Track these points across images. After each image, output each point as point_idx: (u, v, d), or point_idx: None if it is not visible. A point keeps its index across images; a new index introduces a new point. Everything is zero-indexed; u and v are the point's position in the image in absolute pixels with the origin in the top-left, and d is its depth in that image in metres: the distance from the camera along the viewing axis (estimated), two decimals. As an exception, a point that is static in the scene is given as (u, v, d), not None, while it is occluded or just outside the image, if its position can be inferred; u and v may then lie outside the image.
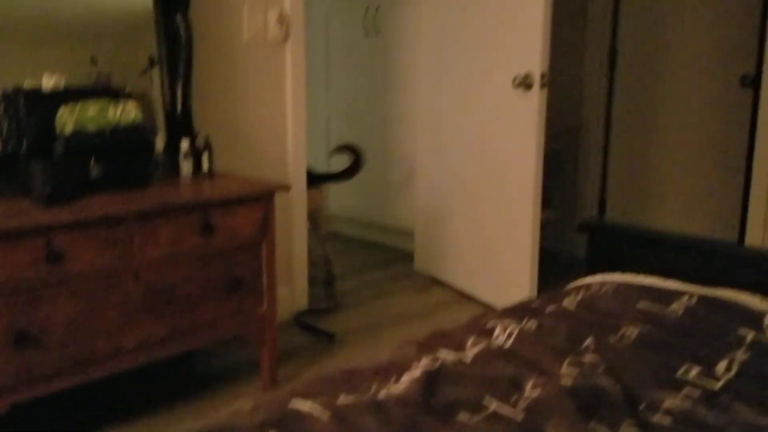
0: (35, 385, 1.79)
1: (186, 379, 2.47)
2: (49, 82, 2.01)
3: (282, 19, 2.77)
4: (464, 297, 3.37)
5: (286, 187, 2.23)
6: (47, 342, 1.78)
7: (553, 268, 3.71)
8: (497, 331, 1.22)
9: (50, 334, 1.79)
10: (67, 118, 1.95)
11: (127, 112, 2.03)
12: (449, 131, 3.40)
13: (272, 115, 2.86)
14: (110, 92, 2.12)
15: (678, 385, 1.03)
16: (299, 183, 2.99)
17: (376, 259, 4.05)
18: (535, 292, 2.96)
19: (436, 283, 3.60)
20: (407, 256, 3.95)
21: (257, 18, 2.72)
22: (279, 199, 2.91)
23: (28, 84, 2.03)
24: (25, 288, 1.72)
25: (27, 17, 2.15)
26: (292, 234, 3.03)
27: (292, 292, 3.07)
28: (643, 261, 1.60)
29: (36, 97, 1.98)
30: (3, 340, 1.70)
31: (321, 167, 4.58)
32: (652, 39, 3.93)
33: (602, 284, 1.48)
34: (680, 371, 1.08)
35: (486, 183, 3.15)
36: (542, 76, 2.76)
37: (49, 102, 1.98)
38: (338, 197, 4.52)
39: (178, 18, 2.33)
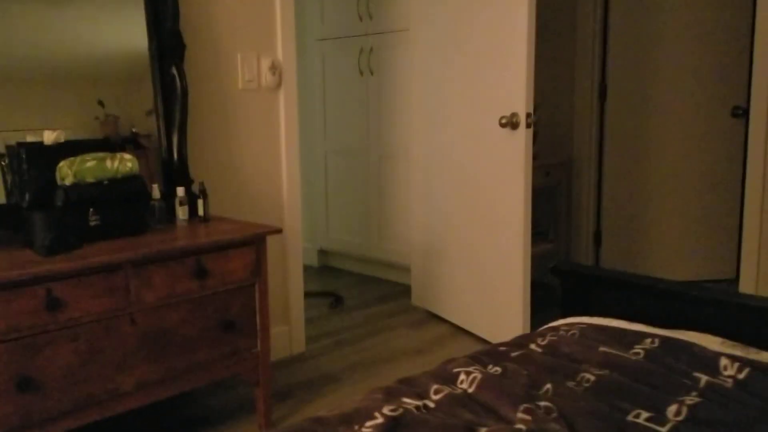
0: (37, 429, 1.85)
1: (184, 419, 2.53)
2: (50, 137, 2.10)
3: (275, 67, 2.88)
4: (460, 332, 3.42)
5: (277, 231, 2.31)
6: (48, 386, 1.85)
7: (550, 300, 3.76)
8: (461, 377, 1.28)
9: (51, 379, 1.86)
10: (66, 171, 2.04)
11: (124, 163, 2.13)
12: (442, 169, 3.48)
13: (267, 160, 2.95)
14: (109, 145, 2.22)
15: (625, 430, 1.09)
16: (295, 224, 3.07)
17: (374, 294, 4.11)
18: (528, 326, 3.01)
19: (433, 317, 3.65)
20: (406, 290, 4.02)
21: (251, 66, 2.83)
22: (275, 239, 3.00)
23: (30, 138, 2.14)
24: (26, 335, 1.80)
25: (38, 63, 2.27)
26: (288, 273, 3.10)
27: (289, 330, 3.14)
28: (613, 303, 1.66)
29: (37, 150, 2.08)
30: (5, 386, 1.77)
31: (320, 202, 4.68)
32: (641, 72, 4.03)
33: (570, 327, 1.54)
34: (630, 415, 1.14)
35: (478, 219, 3.23)
36: (527, 116, 2.85)
37: (49, 155, 2.07)
38: (336, 233, 4.61)
39: (173, 69, 2.44)
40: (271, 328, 3.02)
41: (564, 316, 1.70)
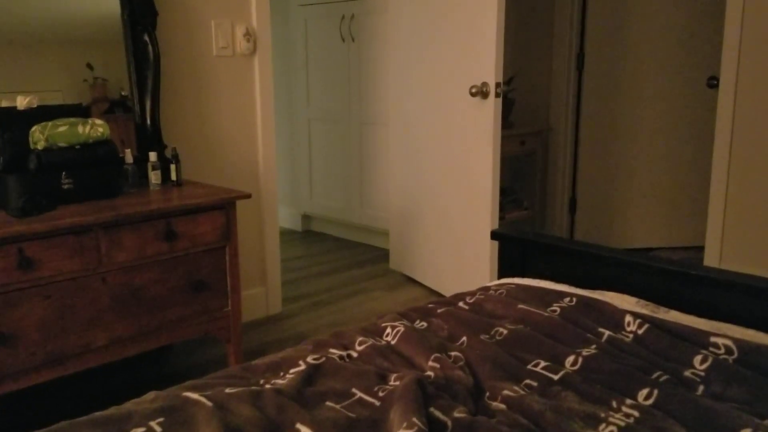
0: (10, 381, 1.95)
1: (161, 375, 2.64)
2: (22, 102, 2.17)
3: (249, 34, 2.93)
4: (434, 294, 3.52)
5: (246, 196, 2.39)
6: (21, 341, 1.95)
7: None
8: (387, 330, 1.38)
9: (24, 334, 1.95)
10: (39, 135, 2.11)
11: (95, 129, 2.19)
12: (418, 136, 3.55)
13: (243, 125, 3.02)
14: (80, 111, 2.28)
15: (522, 377, 1.18)
16: (271, 188, 3.15)
17: (354, 259, 4.21)
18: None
19: (408, 281, 3.76)
20: (385, 255, 4.12)
21: (225, 33, 2.88)
22: (252, 203, 3.09)
23: (5, 103, 2.20)
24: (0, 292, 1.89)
25: (23, 25, 2.32)
26: (265, 236, 3.19)
27: (266, 291, 3.24)
28: (546, 266, 1.76)
29: (10, 115, 2.14)
30: (-20, 340, 1.87)
31: (304, 168, 4.75)
32: (618, 42, 4.07)
33: (500, 287, 1.63)
34: (530, 364, 1.23)
35: (451, 185, 3.31)
36: (497, 86, 2.91)
37: (22, 120, 2.14)
38: (319, 199, 4.69)
39: (145, 36, 2.49)
40: (248, 289, 3.13)
41: (501, 278, 1.79)
